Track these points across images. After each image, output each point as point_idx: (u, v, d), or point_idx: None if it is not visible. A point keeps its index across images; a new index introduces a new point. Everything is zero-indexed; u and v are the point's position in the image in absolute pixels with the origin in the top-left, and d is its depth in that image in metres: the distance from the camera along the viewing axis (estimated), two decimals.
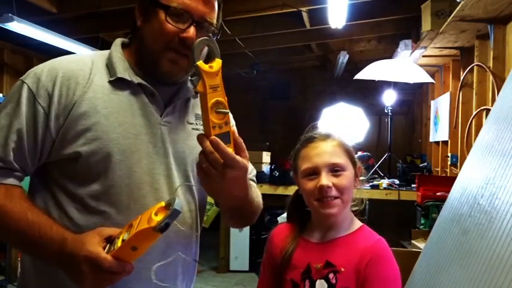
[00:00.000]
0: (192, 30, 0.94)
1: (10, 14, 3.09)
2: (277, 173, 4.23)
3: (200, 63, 0.85)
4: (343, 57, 5.00)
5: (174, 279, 1.00)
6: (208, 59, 0.88)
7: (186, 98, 1.06)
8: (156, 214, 0.76)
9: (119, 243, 0.78)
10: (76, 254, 0.80)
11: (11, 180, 0.90)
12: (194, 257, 1.07)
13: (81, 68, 0.95)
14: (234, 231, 4.62)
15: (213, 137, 0.83)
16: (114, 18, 3.84)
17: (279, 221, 3.89)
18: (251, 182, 1.12)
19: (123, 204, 0.93)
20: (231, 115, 0.93)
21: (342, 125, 5.14)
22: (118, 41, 1.03)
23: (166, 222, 0.75)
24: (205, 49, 0.91)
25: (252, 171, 1.15)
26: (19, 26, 3.23)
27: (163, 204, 0.78)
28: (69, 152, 0.91)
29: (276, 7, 3.55)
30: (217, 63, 0.86)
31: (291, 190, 4.83)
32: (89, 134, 0.90)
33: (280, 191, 4.09)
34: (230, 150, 0.85)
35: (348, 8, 3.38)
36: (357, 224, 1.14)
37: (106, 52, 1.02)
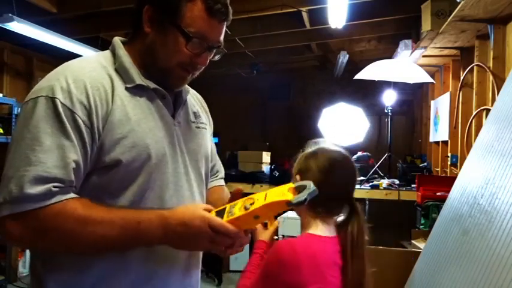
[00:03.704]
0: (206, 56, 0.99)
1: (10, 14, 3.09)
2: (277, 173, 4.23)
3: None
4: (343, 57, 5.00)
5: (197, 271, 1.09)
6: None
7: (185, 98, 1.10)
8: (280, 194, 0.88)
9: (237, 212, 0.88)
10: (189, 219, 0.87)
11: (73, 195, 0.88)
12: None
13: (102, 75, 0.95)
14: None
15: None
16: (114, 18, 3.84)
17: (279, 221, 3.89)
18: (222, 182, 1.27)
19: (155, 205, 0.96)
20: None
21: (342, 125, 5.14)
22: (119, 42, 1.02)
23: (306, 198, 0.86)
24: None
25: (220, 171, 1.28)
26: (19, 26, 3.23)
27: (292, 185, 0.90)
28: (107, 161, 0.90)
29: (276, 7, 3.54)
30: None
31: None
32: (126, 142, 0.91)
33: None
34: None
35: (348, 8, 3.38)
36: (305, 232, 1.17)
37: (108, 54, 1.01)
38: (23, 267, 4.42)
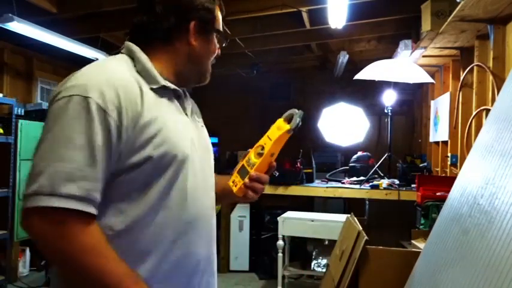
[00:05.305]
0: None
1: (10, 14, 3.10)
2: (277, 173, 4.22)
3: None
4: (343, 57, 5.00)
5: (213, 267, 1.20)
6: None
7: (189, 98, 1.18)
8: (278, 128, 1.05)
9: (255, 160, 1.06)
10: None
11: (94, 210, 0.90)
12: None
13: (129, 78, 0.98)
14: (234, 231, 4.62)
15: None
16: (114, 18, 3.84)
17: (279, 221, 3.89)
18: None
19: (181, 196, 1.01)
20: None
21: (342, 125, 5.14)
22: (136, 47, 1.06)
23: (299, 121, 1.03)
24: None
25: None
26: (19, 26, 3.24)
27: (282, 119, 1.07)
28: (136, 159, 0.94)
29: (276, 7, 3.55)
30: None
31: (291, 190, 4.83)
32: (156, 140, 0.96)
33: (280, 191, 4.09)
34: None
35: (348, 8, 3.38)
36: None
37: (127, 58, 1.05)
38: (23, 267, 4.43)
